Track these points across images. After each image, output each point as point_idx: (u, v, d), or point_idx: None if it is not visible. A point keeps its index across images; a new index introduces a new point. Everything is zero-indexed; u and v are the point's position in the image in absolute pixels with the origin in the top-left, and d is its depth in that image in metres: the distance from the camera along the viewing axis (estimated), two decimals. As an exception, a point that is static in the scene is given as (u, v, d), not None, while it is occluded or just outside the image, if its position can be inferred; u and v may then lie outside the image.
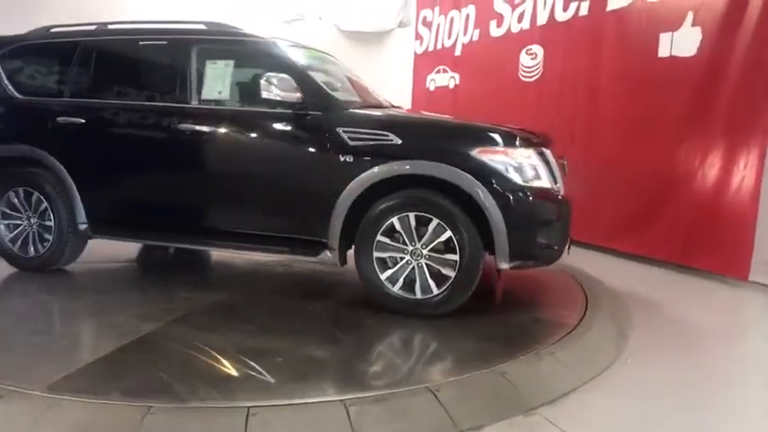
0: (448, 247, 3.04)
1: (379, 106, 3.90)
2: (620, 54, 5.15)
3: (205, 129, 3.48)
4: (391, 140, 3.10)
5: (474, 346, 2.88)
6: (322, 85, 3.38)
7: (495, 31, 6.60)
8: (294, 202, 3.34)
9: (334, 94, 3.41)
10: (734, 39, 4.24)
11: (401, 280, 3.11)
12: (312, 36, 8.47)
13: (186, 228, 3.67)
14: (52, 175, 3.93)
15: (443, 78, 7.58)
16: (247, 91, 3.47)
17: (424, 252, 3.08)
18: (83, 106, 3.88)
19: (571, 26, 5.63)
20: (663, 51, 4.75)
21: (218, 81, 3.48)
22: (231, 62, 3.50)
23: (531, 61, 6.11)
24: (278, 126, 3.36)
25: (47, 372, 2.44)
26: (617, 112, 5.17)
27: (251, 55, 3.56)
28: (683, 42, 4.61)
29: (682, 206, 4.67)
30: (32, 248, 4.08)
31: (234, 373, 2.52)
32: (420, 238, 3.07)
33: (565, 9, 5.65)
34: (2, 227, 4.13)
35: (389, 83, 8.61)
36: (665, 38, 4.73)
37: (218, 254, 4.56)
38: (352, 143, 3.14)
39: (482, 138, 3.11)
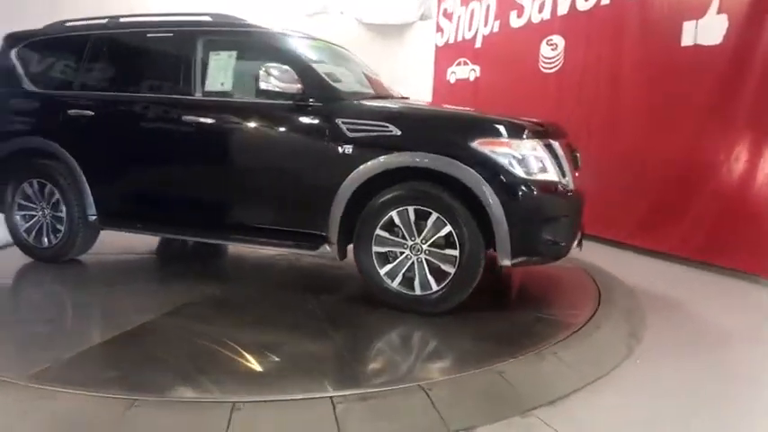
0: (448, 242, 2.95)
1: (386, 97, 3.81)
2: (641, 43, 4.96)
3: (208, 121, 3.46)
4: (391, 131, 3.02)
5: (473, 345, 2.79)
6: (323, 75, 3.31)
7: (516, 22, 6.44)
8: (294, 194, 3.30)
9: (335, 84, 3.34)
10: (762, 27, 4.02)
11: (400, 275, 3.04)
12: (334, 29, 8.44)
13: (190, 220, 3.66)
14: (64, 166, 3.98)
15: (464, 71, 7.45)
16: (251, 82, 3.43)
17: (424, 247, 2.99)
18: (92, 99, 3.93)
19: (592, 15, 5.44)
20: (686, 40, 4.54)
21: (221, 73, 3.46)
22: (234, 53, 3.47)
23: (551, 52, 5.94)
24: (279, 117, 3.31)
25: (37, 361, 2.46)
26: (638, 103, 4.98)
27: (254, 46, 3.52)
28: (707, 31, 4.40)
29: (706, 201, 4.46)
30: (46, 239, 4.15)
31: (223, 366, 2.49)
32: (420, 232, 2.99)
33: (586, -2, 5.47)
34: (18, 217, 4.22)
35: (411, 76, 8.53)
36: (688, 26, 4.53)
37: (234, 246, 4.54)
38: (350, 134, 3.07)
39: (484, 129, 3.00)
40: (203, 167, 3.62)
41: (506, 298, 3.64)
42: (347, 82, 3.69)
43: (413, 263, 3.02)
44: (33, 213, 4.17)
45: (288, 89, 3.11)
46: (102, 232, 4.13)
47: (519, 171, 2.87)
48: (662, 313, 3.54)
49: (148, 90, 3.77)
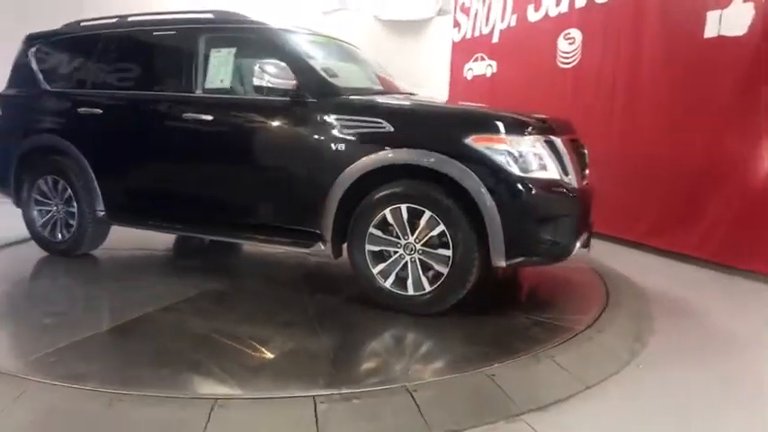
0: (441, 241, 2.88)
1: (388, 94, 3.76)
2: (662, 36, 4.79)
3: (206, 117, 3.47)
4: (384, 128, 2.96)
5: (465, 347, 2.72)
6: (319, 71, 3.27)
7: (533, 16, 6.31)
8: (289, 192, 3.28)
9: (332, 80, 3.29)
10: (790, 16, 3.83)
11: (393, 275, 2.99)
12: (350, 26, 8.44)
13: (188, 217, 3.69)
14: (75, 163, 4.06)
15: (480, 67, 7.34)
16: (249, 79, 3.42)
17: (418, 246, 2.93)
18: (99, 97, 4.00)
19: (611, 7, 5.29)
20: (710, 32, 4.36)
21: (221, 70, 3.47)
22: (234, 50, 3.47)
23: (568, 46, 5.80)
24: (274, 114, 3.29)
25: (29, 353, 2.52)
26: (658, 98, 4.82)
27: (254, 42, 3.51)
28: (732, 21, 4.20)
29: (729, 201, 4.28)
30: (60, 234, 4.25)
31: (208, 362, 2.48)
32: (414, 231, 2.93)
33: (605, -11, 5.32)
34: (35, 213, 4.33)
35: (428, 73, 8.47)
36: (712, 16, 4.34)
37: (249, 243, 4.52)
38: (343, 131, 3.03)
39: (478, 125, 2.92)
40: (200, 164, 3.63)
41: (506, 300, 3.52)
42: (348, 78, 3.65)
43: (406, 262, 2.96)
44: (48, 209, 4.28)
45: (283, 85, 3.09)
46: (120, 228, 4.18)
47: (515, 168, 2.77)
48: (672, 317, 3.42)
49: (152, 88, 3.81)
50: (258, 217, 3.46)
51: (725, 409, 2.39)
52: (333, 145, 3.04)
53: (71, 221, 4.18)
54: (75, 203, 4.12)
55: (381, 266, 3.01)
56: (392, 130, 2.96)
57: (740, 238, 4.17)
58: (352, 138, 3.03)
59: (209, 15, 3.67)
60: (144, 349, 2.64)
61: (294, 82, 3.13)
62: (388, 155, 2.92)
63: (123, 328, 2.86)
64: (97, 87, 4.08)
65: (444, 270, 2.87)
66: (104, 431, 2.02)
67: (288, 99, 3.17)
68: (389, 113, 3.04)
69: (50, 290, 3.74)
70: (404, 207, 2.90)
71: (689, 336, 3.16)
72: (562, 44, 5.86)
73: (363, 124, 3.01)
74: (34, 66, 4.45)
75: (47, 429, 2.08)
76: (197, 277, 3.73)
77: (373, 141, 2.97)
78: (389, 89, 4.05)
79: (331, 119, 3.08)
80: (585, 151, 3.46)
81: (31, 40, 4.53)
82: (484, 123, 2.93)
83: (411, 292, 2.96)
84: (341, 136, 3.04)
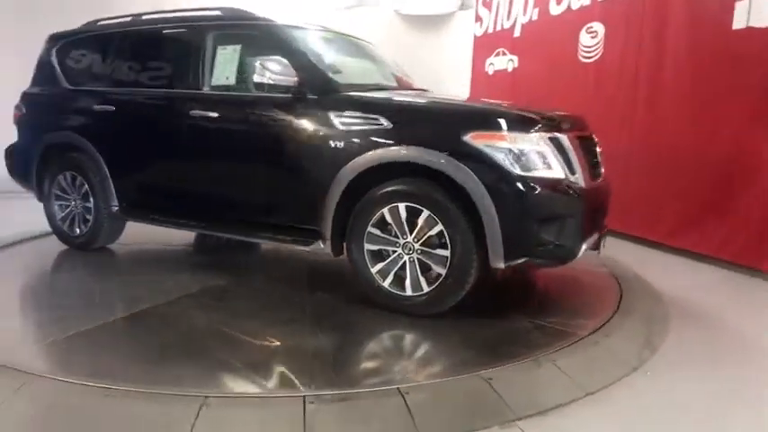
0: (440, 241, 2.82)
1: (395, 90, 3.71)
2: (688, 28, 4.61)
3: (211, 114, 3.48)
4: (382, 124, 2.91)
5: (463, 350, 2.66)
6: (321, 67, 3.24)
7: (555, 9, 6.15)
8: (291, 189, 3.26)
9: (334, 76, 3.26)
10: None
11: (392, 275, 2.94)
12: (371, 22, 8.38)
13: (193, 213, 3.72)
14: (90, 159, 4.14)
15: (502, 61, 7.21)
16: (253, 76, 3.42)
17: (416, 246, 2.87)
18: (112, 94, 4.07)
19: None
20: (738, 23, 4.17)
21: (227, 67, 3.47)
22: (239, 47, 3.46)
23: (591, 40, 5.64)
24: (276, 111, 3.27)
25: (26, 345, 2.58)
26: (683, 93, 4.64)
27: (259, 39, 3.49)
28: (763, 11, 4.01)
29: (752, 201, 4.10)
30: (78, 228, 4.35)
31: (201, 359, 2.49)
32: (413, 231, 2.87)
33: (628, -20, 5.15)
34: (56, 207, 4.45)
35: (450, 68, 8.36)
36: (741, 6, 4.16)
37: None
38: (342, 128, 3.00)
39: (477, 121, 2.84)
40: (204, 161, 3.66)
41: (511, 302, 3.42)
42: (357, 75, 3.62)
43: (405, 262, 2.91)
44: (67, 204, 4.39)
45: (284, 82, 3.07)
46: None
47: (515, 167, 2.68)
48: (689, 322, 3.28)
49: (162, 85, 3.86)
50: (259, 214, 3.46)
51: (732, 423, 2.28)
52: (332, 142, 3.01)
53: (88, 216, 4.27)
54: (91, 199, 4.20)
55: (380, 266, 2.96)
56: (390, 126, 2.90)
57: (765, 239, 3.99)
58: (351, 135, 2.99)
59: (217, 12, 3.68)
60: (137, 345, 2.67)
61: (295, 78, 3.10)
62: (383, 152, 2.87)
63: (120, 323, 2.90)
64: (111, 85, 4.15)
65: (442, 271, 2.81)
66: (93, 426, 2.03)
67: (290, 96, 3.15)
68: (387, 110, 2.99)
69: (56, 283, 3.87)
70: (402, 206, 2.85)
71: (703, 343, 3.03)
72: (584, 38, 5.71)
73: (362, 121, 2.97)
74: (55, 64, 4.56)
75: (44, 424, 2.11)
76: (206, 273, 3.77)
77: (371, 138, 2.93)
78: (403, 86, 4.01)
79: (331, 116, 3.04)
80: (598, 149, 3.34)
81: (54, 39, 4.65)
82: (483, 120, 2.85)
83: (409, 292, 2.91)
84: (340, 133, 3.01)
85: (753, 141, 4.10)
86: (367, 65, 4.13)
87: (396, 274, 2.94)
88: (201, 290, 3.42)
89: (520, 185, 2.67)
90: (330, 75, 3.24)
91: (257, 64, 3.03)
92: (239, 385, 2.27)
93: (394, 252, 2.93)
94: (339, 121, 3.02)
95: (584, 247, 2.88)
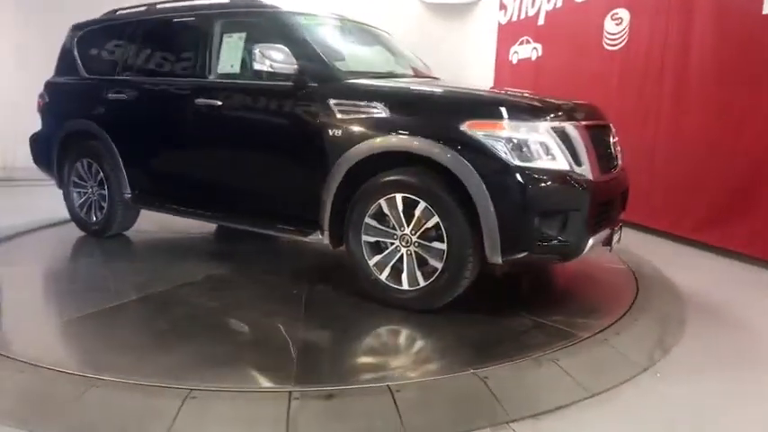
0: (437, 234, 2.71)
1: (399, 77, 3.61)
2: (716, 13, 4.38)
3: (214, 103, 3.45)
4: (379, 113, 2.82)
5: (460, 347, 2.57)
6: (321, 54, 3.16)
7: (580, -5, 5.93)
8: (290, 180, 3.21)
9: (336, 64, 3.18)
10: None
11: (389, 267, 2.86)
12: (395, 11, 8.26)
13: (198, 202, 3.71)
14: (104, 147, 4.19)
15: (526, 50, 7.01)
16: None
17: (413, 239, 2.78)
18: (124, 83, 4.10)
19: (662, -16, 4.88)
20: (769, 7, 3.94)
21: (232, 54, 3.44)
22: (244, 35, 3.42)
23: (615, 27, 5.42)
24: (277, 99, 3.22)
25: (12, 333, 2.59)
26: (712, 81, 4.41)
27: (263, 26, 3.44)
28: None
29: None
30: (93, 215, 4.42)
31: (189, 350, 2.46)
32: (410, 222, 2.78)
33: (655, -36, 4.91)
34: (75, 194, 4.52)
35: (475, 57, 8.19)
36: (773, -11, 3.92)
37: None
38: (340, 116, 2.92)
39: (475, 110, 2.72)
40: (206, 150, 3.65)
41: (516, 299, 3.28)
42: (365, 63, 3.54)
43: (402, 255, 2.82)
44: (85, 191, 4.46)
45: (284, 69, 3.01)
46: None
47: (513, 157, 2.55)
48: (707, 321, 3.12)
49: (171, 74, 3.85)
50: (259, 204, 3.43)
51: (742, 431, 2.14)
52: (330, 131, 2.93)
53: (103, 204, 4.33)
54: (105, 186, 4.26)
55: (377, 258, 2.89)
56: (387, 114, 2.82)
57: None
58: (349, 123, 2.91)
59: (226, 0, 3.65)
60: (129, 333, 2.67)
61: (296, 66, 3.04)
62: (378, 141, 2.78)
63: (115, 310, 2.90)
64: (124, 74, 4.18)
65: (439, 265, 2.71)
66: (75, 416, 2.02)
67: (290, 84, 3.10)
68: (385, 97, 2.90)
69: (61, 270, 3.92)
70: (399, 197, 2.76)
71: (721, 344, 2.86)
72: (609, 25, 5.49)
73: (360, 109, 2.89)
74: (76, 54, 4.63)
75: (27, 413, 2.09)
76: (213, 261, 3.78)
77: (368, 127, 2.84)
78: (418, 75, 3.92)
79: (330, 104, 2.97)
80: (613, 139, 3.19)
81: (76, 28, 4.73)
82: (481, 108, 2.73)
83: (406, 286, 2.83)
84: (339, 121, 2.93)
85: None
86: (380, 53, 4.05)
87: (393, 266, 2.86)
88: (205, 278, 3.41)
89: (519, 177, 2.54)
90: (331, 62, 3.16)
91: (257, 51, 2.98)
92: (226, 378, 2.22)
93: (392, 244, 2.85)
94: (338, 109, 2.94)
95: (590, 242, 2.73)
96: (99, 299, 3.03)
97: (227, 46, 3.47)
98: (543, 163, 2.59)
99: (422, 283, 2.78)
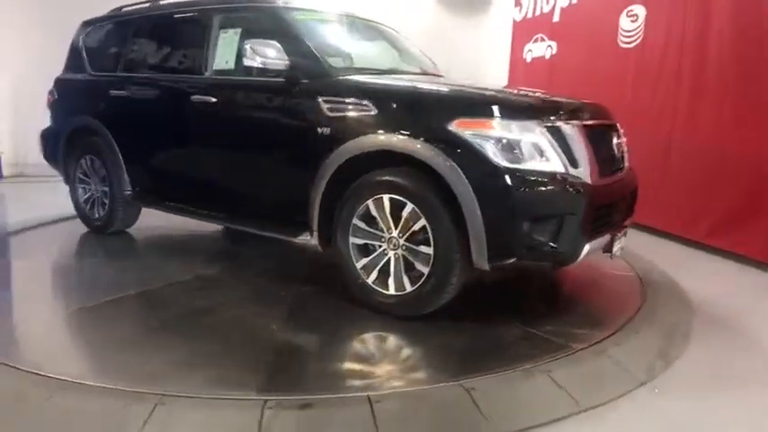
0: (425, 238, 2.60)
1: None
2: (735, 10, 4.18)
3: (210, 100, 3.40)
4: (368, 110, 2.72)
5: (447, 356, 2.46)
6: (313, 50, 3.06)
7: (595, -8, 5.76)
8: (280, 179, 3.14)
9: (328, 60, 3.08)
10: None
11: (376, 271, 2.76)
12: (410, 8, 8.15)
13: (192, 200, 3.67)
14: (106, 144, 4.18)
15: (540, 48, 6.84)
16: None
17: (401, 242, 2.67)
18: (125, 79, 4.08)
19: (678, -22, 4.69)
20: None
21: (227, 51, 3.38)
22: (239, 30, 3.36)
23: (631, 24, 5.23)
24: (268, 96, 3.15)
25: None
26: (730, 81, 4.21)
27: (259, 22, 3.38)
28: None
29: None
30: (96, 212, 4.42)
31: (168, 352, 2.40)
32: (398, 225, 2.68)
33: (671, -41, 4.72)
34: (80, 190, 4.53)
35: (491, 55, 8.04)
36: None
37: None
38: (329, 113, 2.83)
39: (463, 108, 2.60)
40: (200, 148, 3.60)
41: (511, 307, 3.11)
42: (365, 59, 3.43)
43: (389, 258, 2.72)
44: (89, 187, 4.47)
45: (275, 65, 2.93)
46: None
47: (502, 158, 2.42)
48: (715, 333, 2.96)
49: (170, 70, 3.82)
50: (251, 203, 3.36)
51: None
52: (319, 129, 2.84)
53: (105, 200, 4.32)
54: (107, 182, 4.24)
55: (365, 261, 2.79)
56: (376, 112, 2.72)
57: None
58: (338, 121, 2.82)
59: None
60: (105, 333, 2.61)
61: (287, 62, 2.96)
62: (363, 140, 2.68)
63: (95, 309, 2.86)
64: (126, 71, 4.17)
65: (425, 269, 2.60)
66: (43, 420, 1.97)
67: (282, 80, 3.02)
68: (375, 95, 2.79)
69: (52, 266, 3.88)
70: (386, 198, 2.66)
71: (729, 358, 2.70)
72: (624, 22, 5.31)
73: (350, 106, 2.79)
74: (83, 50, 4.64)
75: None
76: (207, 260, 3.72)
77: (357, 125, 2.75)
78: (423, 72, 3.82)
79: (320, 101, 2.88)
80: (618, 140, 3.04)
81: (84, 25, 4.74)
82: (469, 107, 2.61)
83: (392, 290, 2.72)
84: (328, 119, 2.84)
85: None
86: (384, 50, 3.95)
87: (380, 270, 2.75)
88: (194, 277, 3.36)
89: (507, 179, 2.41)
90: (323, 58, 3.07)
91: (247, 47, 2.90)
92: (199, 383, 2.15)
93: (379, 247, 2.75)
94: (327, 106, 2.85)
95: (587, 248, 2.59)
96: (80, 297, 3.00)
97: (223, 42, 3.42)
98: (535, 164, 2.46)
99: (408, 288, 2.67)
